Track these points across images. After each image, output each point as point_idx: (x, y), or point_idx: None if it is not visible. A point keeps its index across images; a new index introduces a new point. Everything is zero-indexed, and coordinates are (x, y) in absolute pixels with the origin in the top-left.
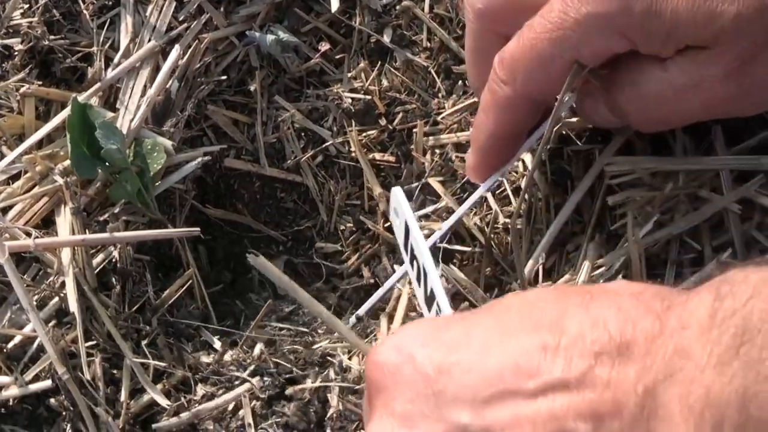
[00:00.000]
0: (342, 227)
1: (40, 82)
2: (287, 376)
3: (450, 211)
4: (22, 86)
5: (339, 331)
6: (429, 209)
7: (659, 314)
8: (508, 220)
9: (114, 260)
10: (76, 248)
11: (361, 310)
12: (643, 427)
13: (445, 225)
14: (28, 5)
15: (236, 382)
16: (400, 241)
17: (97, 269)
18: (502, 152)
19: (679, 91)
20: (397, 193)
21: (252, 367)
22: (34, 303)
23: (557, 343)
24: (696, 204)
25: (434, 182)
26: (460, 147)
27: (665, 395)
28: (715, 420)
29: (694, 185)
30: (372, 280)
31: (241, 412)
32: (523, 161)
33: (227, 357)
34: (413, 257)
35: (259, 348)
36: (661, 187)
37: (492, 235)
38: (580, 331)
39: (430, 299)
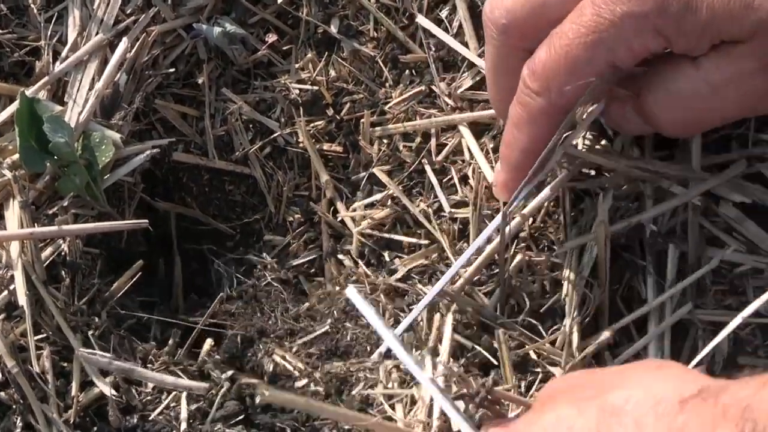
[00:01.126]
0: (290, 218)
1: None
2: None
3: (395, 199)
4: None
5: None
6: (377, 197)
7: None
8: (454, 209)
9: (63, 253)
10: (24, 242)
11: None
12: None
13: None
14: None
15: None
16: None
17: (46, 262)
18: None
19: (714, 87)
20: (351, 292)
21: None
22: None
23: None
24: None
25: (379, 172)
26: (407, 136)
27: None
28: None
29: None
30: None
31: (193, 405)
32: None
33: (178, 349)
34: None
35: (208, 343)
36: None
37: (438, 224)
38: None
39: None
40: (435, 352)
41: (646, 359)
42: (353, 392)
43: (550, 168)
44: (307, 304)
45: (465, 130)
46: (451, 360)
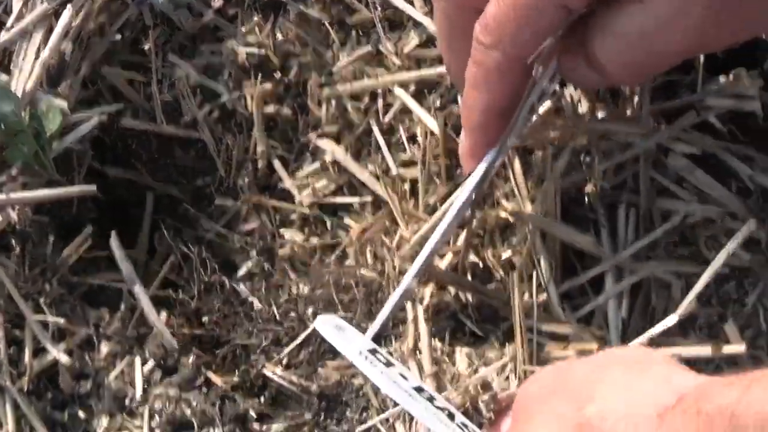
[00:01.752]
0: (240, 182)
1: None
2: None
3: (340, 167)
4: None
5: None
6: (326, 158)
7: None
8: (402, 169)
9: (13, 222)
10: None
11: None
12: None
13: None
14: None
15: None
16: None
17: None
18: (499, 129)
19: (660, 23)
20: (320, 322)
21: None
22: None
23: None
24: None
25: (325, 140)
26: (356, 97)
27: None
28: None
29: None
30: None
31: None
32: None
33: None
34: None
35: (164, 314)
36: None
37: (386, 183)
38: None
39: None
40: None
41: (624, 347)
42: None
43: (517, 129)
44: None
45: (401, 92)
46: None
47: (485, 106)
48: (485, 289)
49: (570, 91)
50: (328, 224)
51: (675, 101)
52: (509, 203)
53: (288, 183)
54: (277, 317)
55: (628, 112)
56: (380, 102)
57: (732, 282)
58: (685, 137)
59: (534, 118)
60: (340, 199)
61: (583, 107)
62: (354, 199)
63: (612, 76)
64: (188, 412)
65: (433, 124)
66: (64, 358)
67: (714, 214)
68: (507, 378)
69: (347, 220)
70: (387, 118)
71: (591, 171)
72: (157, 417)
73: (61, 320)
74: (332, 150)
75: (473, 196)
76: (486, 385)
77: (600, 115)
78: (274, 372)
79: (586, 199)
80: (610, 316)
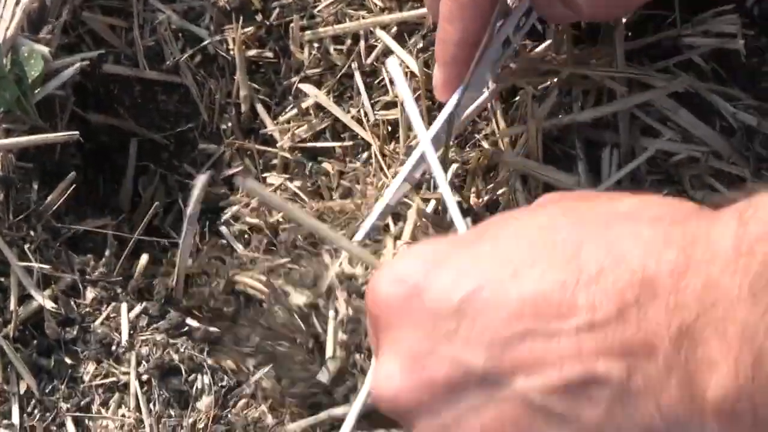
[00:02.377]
0: (224, 126)
1: None
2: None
3: (323, 110)
4: None
5: (347, 249)
6: (308, 102)
7: (683, 246)
8: (384, 111)
9: None
10: None
11: (360, 233)
12: (681, 369)
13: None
14: None
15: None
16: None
17: None
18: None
19: None
20: (391, 65)
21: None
22: None
23: (576, 280)
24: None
25: (307, 85)
26: (338, 39)
27: (701, 334)
28: (755, 355)
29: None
30: None
31: (132, 314)
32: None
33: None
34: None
35: (144, 258)
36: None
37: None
38: (599, 268)
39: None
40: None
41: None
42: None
43: (490, 62)
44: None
45: (382, 33)
46: None
47: (458, 40)
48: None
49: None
50: (307, 169)
51: (655, 37)
52: (490, 145)
53: (270, 127)
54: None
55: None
56: (362, 44)
57: None
58: (668, 76)
59: (509, 53)
60: (321, 144)
61: (566, 48)
62: (335, 143)
63: (585, 12)
64: (176, 357)
65: (414, 66)
66: (49, 304)
67: (698, 153)
68: None
69: (326, 165)
70: (369, 60)
71: (572, 111)
72: (144, 363)
73: (46, 266)
74: (314, 94)
75: (446, 127)
76: None
77: (580, 55)
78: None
79: (568, 139)
80: None
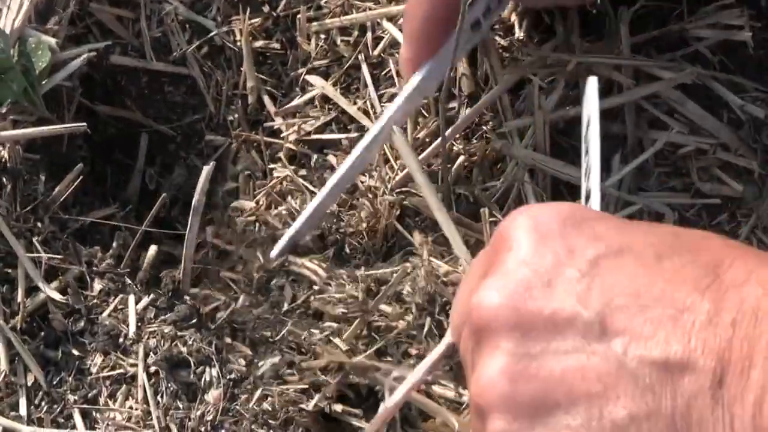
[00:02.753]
0: (231, 118)
1: None
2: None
3: (330, 101)
4: None
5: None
6: (313, 93)
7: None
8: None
9: (3, 160)
10: None
11: None
12: None
13: None
14: None
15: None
16: (582, 129)
17: None
18: (439, 41)
19: None
20: (592, 83)
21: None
22: None
23: (709, 283)
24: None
25: (313, 76)
26: (345, 31)
27: None
28: None
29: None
30: None
31: (140, 305)
32: None
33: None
34: (587, 151)
35: (153, 249)
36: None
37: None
38: (732, 286)
39: (586, 198)
40: None
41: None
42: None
43: (464, 42)
44: None
45: (390, 25)
46: None
47: (427, 15)
48: (470, 223)
49: (559, 20)
50: (312, 162)
51: (662, 30)
52: (498, 137)
53: (277, 119)
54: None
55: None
56: (369, 36)
57: (725, 213)
58: (675, 68)
59: (479, 36)
60: (327, 136)
61: (573, 40)
62: (341, 135)
63: None
64: (184, 350)
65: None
66: (56, 296)
67: (706, 145)
68: None
69: (331, 158)
70: (376, 52)
71: (579, 103)
72: (152, 355)
73: (54, 257)
74: (321, 85)
75: (405, 106)
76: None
77: (587, 48)
78: None
79: (575, 131)
80: None
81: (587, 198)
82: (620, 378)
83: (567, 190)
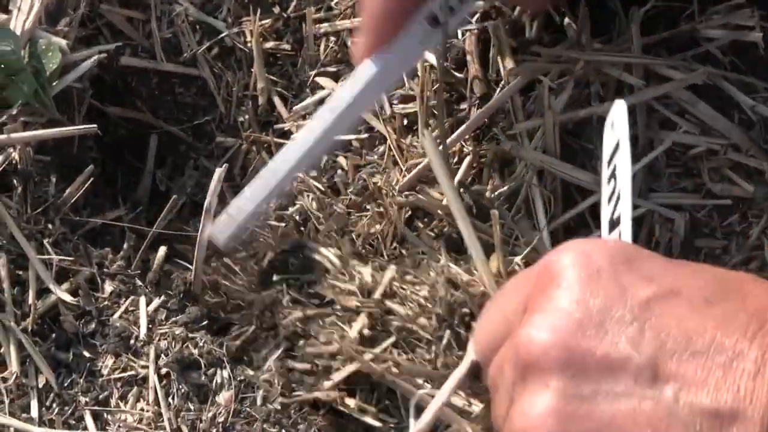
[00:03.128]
0: (241, 119)
1: None
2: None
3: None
4: None
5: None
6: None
7: None
8: (401, 105)
9: (14, 162)
10: None
11: None
12: None
13: None
14: None
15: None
16: (606, 154)
17: None
18: (395, 32)
19: None
20: (621, 107)
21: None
22: None
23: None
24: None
25: (322, 78)
26: (355, 32)
27: None
28: None
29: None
30: None
31: (150, 307)
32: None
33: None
34: (612, 175)
35: (162, 251)
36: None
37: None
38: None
39: (614, 224)
40: None
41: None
42: None
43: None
44: None
45: None
46: None
47: (383, 7)
48: (480, 224)
49: (570, 21)
50: (322, 163)
51: (672, 31)
52: (507, 139)
53: (287, 120)
54: None
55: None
56: None
57: (736, 214)
58: (686, 68)
59: (441, 34)
60: (336, 138)
61: (584, 41)
62: (351, 137)
63: None
64: (195, 351)
65: (432, 58)
66: (67, 298)
67: (716, 145)
68: None
69: (341, 159)
70: None
71: (590, 104)
72: (163, 356)
73: (65, 259)
74: (331, 87)
75: (355, 99)
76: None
77: (598, 49)
78: None
79: (585, 133)
80: None
81: (611, 226)
82: (671, 425)
83: (578, 193)
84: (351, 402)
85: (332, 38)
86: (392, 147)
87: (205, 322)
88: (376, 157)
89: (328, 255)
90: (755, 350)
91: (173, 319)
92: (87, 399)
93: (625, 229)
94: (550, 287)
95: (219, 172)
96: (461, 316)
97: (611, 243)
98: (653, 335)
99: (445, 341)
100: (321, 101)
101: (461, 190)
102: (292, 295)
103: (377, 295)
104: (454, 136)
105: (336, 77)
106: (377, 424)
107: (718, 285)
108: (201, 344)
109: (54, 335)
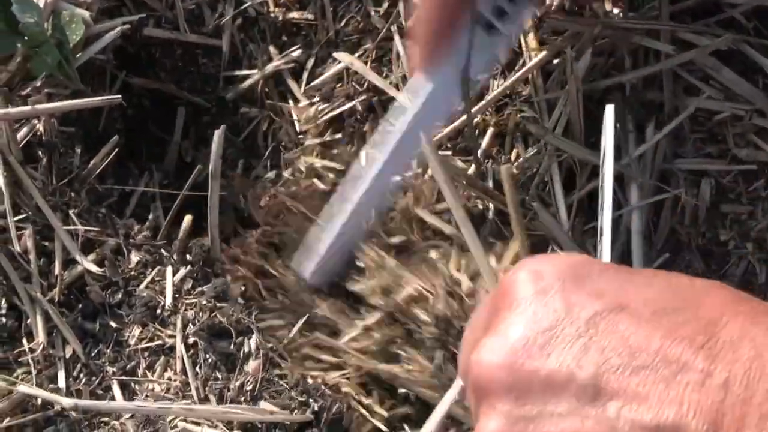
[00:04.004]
0: (266, 89)
1: None
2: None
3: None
4: None
5: (479, 260)
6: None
7: None
8: None
9: (39, 133)
10: None
11: None
12: None
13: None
14: None
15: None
16: (600, 159)
17: (22, 143)
18: (450, 39)
19: None
20: (609, 112)
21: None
22: None
23: (707, 344)
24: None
25: (342, 54)
26: (378, 1)
27: None
28: None
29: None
30: None
31: (177, 277)
32: None
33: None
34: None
35: (187, 220)
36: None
37: None
38: (728, 343)
39: (601, 234)
40: None
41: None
42: None
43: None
44: None
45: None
46: None
47: (434, 17)
48: (498, 195)
49: None
50: (340, 134)
51: None
52: (530, 110)
53: (308, 90)
54: None
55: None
56: (401, 6)
57: (761, 179)
58: (711, 34)
59: (499, 40)
60: (353, 105)
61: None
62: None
63: None
64: (224, 320)
65: None
66: (93, 268)
67: (741, 111)
68: None
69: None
70: (410, 23)
71: (613, 75)
72: (190, 326)
73: (91, 229)
74: (350, 61)
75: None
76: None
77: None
78: None
79: (610, 99)
80: (633, 224)
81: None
82: None
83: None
84: (364, 400)
85: (355, 6)
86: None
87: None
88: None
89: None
90: (702, 361)
91: (200, 288)
92: (114, 369)
93: (605, 241)
94: (502, 308)
95: (218, 134)
96: (458, 332)
97: (564, 259)
98: (597, 351)
99: (435, 363)
100: (340, 73)
101: (486, 161)
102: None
103: (399, 299)
104: (477, 107)
105: (358, 47)
106: (383, 429)
107: (672, 295)
108: (229, 313)
109: (80, 306)
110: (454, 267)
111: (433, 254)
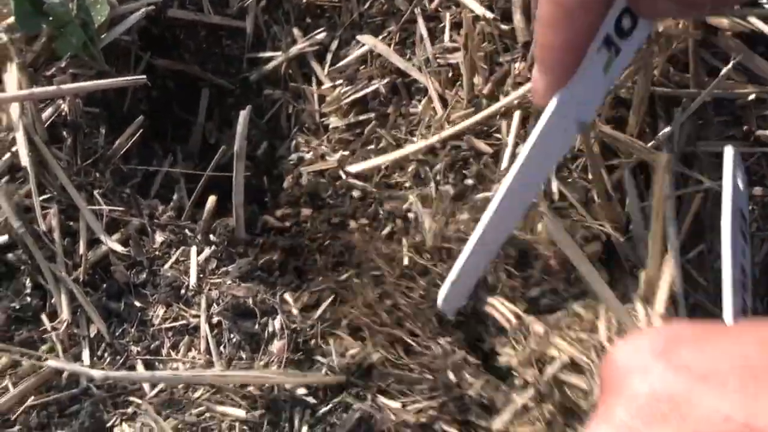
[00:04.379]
0: (290, 71)
1: None
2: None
3: (381, 57)
4: None
5: (614, 309)
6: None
7: None
8: (448, 55)
9: (63, 113)
10: (24, 103)
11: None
12: None
13: None
14: None
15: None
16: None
17: (47, 123)
18: (573, 68)
19: None
20: (728, 154)
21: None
22: None
23: None
24: None
25: (366, 37)
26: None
27: None
28: None
29: None
30: None
31: (201, 257)
32: None
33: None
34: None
35: (212, 200)
36: None
37: (429, 71)
38: None
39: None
40: None
41: None
42: None
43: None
44: None
45: None
46: None
47: (561, 44)
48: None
49: None
50: (362, 117)
51: None
52: None
53: (328, 74)
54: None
55: None
56: None
57: None
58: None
59: (620, 60)
60: (373, 88)
61: None
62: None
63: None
64: (249, 301)
65: (477, 7)
66: (118, 248)
67: (765, 93)
68: None
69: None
70: (434, 5)
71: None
72: (215, 305)
73: (116, 209)
74: (374, 43)
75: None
76: None
77: None
78: None
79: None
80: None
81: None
82: None
83: None
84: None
85: None
86: (432, 95)
87: (256, 273)
88: (420, 107)
89: (504, 311)
90: None
91: (224, 268)
92: (138, 348)
93: (726, 299)
94: (605, 392)
95: (243, 115)
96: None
97: (656, 335)
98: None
99: None
100: (363, 56)
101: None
102: None
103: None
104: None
105: (382, 29)
106: None
107: (758, 360)
108: (255, 293)
109: (105, 285)
110: (604, 328)
111: (578, 308)
